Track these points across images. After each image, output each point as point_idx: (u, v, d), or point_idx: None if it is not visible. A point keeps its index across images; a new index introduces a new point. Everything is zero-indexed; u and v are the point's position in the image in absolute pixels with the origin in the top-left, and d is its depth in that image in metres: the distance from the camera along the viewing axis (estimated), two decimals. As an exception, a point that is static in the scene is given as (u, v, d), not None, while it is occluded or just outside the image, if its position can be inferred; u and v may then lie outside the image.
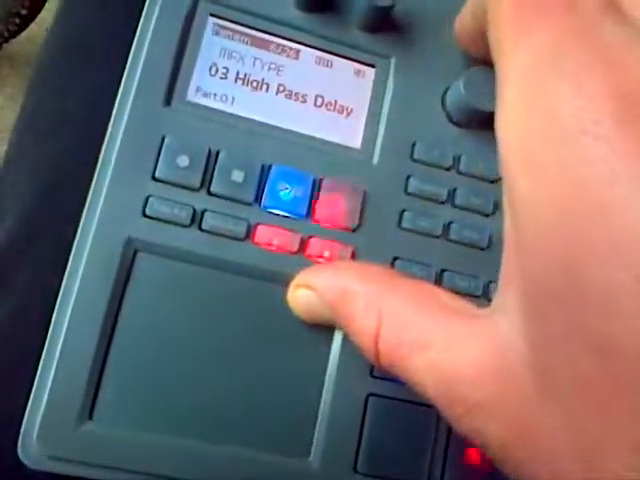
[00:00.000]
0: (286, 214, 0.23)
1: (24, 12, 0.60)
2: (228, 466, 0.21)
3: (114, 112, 0.22)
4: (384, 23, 0.24)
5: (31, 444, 0.20)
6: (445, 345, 0.16)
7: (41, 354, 0.20)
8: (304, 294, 0.21)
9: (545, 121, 0.14)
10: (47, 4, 0.70)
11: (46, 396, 0.20)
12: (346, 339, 0.22)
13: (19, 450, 0.20)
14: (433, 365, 0.16)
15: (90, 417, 0.20)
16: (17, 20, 0.60)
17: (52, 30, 0.27)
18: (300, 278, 0.21)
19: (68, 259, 0.21)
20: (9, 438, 0.20)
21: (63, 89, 0.25)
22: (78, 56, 0.26)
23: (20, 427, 0.20)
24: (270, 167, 0.23)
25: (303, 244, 0.23)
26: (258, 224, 0.22)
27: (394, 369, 0.18)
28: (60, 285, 0.21)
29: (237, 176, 0.22)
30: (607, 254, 0.12)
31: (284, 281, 0.22)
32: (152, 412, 0.21)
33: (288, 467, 0.21)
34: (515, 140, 0.15)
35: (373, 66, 0.25)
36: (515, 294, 0.15)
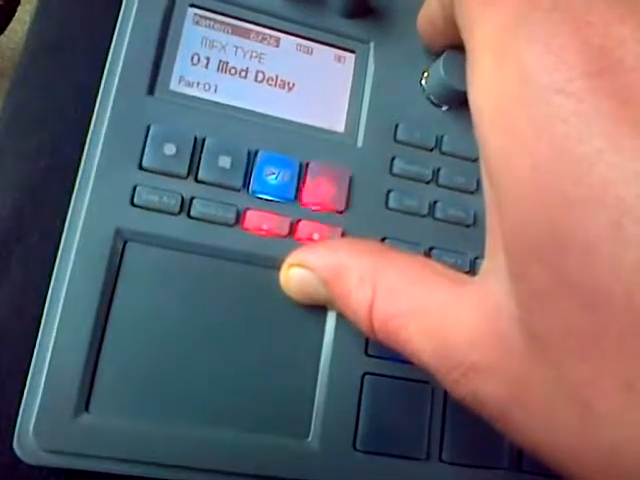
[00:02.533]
0: (274, 199, 0.23)
1: (1, 2, 0.59)
2: (228, 451, 0.21)
3: (97, 104, 0.22)
4: (362, 9, 0.25)
5: (27, 439, 0.20)
6: (439, 312, 0.17)
7: (34, 349, 0.20)
8: (298, 273, 0.21)
9: (518, 82, 0.14)
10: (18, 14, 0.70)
11: (41, 389, 0.20)
12: (340, 319, 0.22)
13: (15, 446, 0.20)
14: (428, 332, 0.17)
15: (86, 408, 0.20)
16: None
17: (31, 28, 0.26)
18: (293, 257, 0.21)
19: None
20: (5, 434, 0.20)
21: (45, 85, 0.25)
22: (58, 52, 0.26)
23: (15, 423, 0.20)
24: (256, 152, 0.23)
25: (292, 228, 0.23)
26: (247, 209, 0.22)
27: (390, 340, 0.18)
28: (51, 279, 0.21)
29: (224, 162, 0.22)
30: (583, 205, 0.12)
31: (275, 265, 0.22)
32: (148, 400, 0.21)
33: (288, 449, 0.21)
34: (489, 103, 0.15)
35: (353, 51, 0.25)
36: (500, 254, 0.15)
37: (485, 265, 0.17)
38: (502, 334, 0.15)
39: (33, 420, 0.20)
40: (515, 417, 0.15)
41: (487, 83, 0.15)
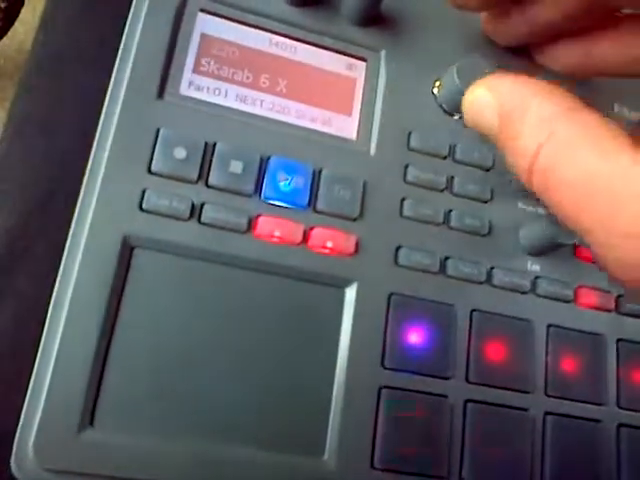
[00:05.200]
0: (287, 205, 0.22)
1: (4, 5, 0.58)
2: (240, 469, 0.20)
3: (105, 107, 0.22)
4: (374, 17, 0.25)
5: (26, 456, 0.18)
6: (608, 180, 0.15)
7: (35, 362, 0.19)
8: (482, 95, 0.19)
9: None
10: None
11: (42, 402, 0.18)
12: (355, 329, 0.22)
13: (12, 465, 0.18)
14: (595, 196, 0.15)
15: (91, 423, 0.19)
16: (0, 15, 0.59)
17: (38, 35, 0.26)
18: (485, 79, 0.19)
19: None
20: (1, 452, 0.19)
21: (52, 93, 0.25)
22: (65, 59, 0.25)
23: (13, 439, 0.19)
24: (269, 158, 0.22)
25: (305, 235, 0.22)
26: (259, 216, 0.22)
27: (545, 195, 0.17)
28: None
29: (235, 167, 0.22)
30: None
31: (288, 273, 0.22)
32: (158, 415, 0.20)
33: (303, 467, 0.20)
34: None
35: (364, 59, 0.25)
36: None
37: None
38: None
39: (33, 436, 0.18)
40: None
41: None
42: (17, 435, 0.18)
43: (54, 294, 0.20)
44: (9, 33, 0.66)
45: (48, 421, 0.18)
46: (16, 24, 0.66)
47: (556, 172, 0.16)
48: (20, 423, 0.19)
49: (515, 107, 0.18)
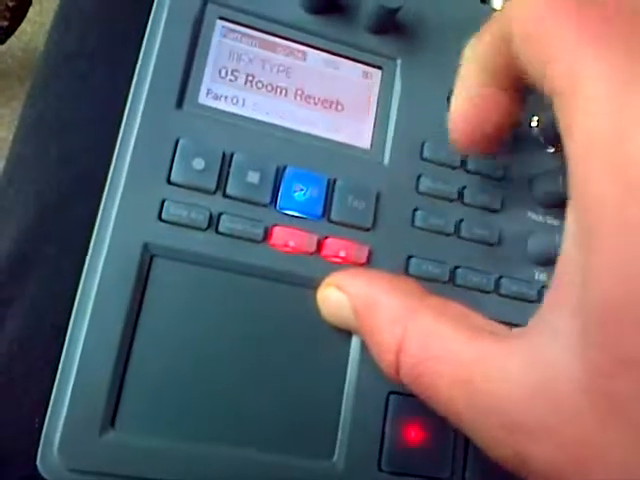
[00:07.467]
0: (302, 215, 0.23)
1: (11, 4, 0.58)
2: (253, 470, 0.21)
3: (125, 117, 0.22)
4: (391, 25, 0.25)
5: (52, 457, 0.19)
6: (479, 362, 0.16)
7: (58, 364, 0.20)
8: (334, 295, 0.21)
9: None
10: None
11: (66, 406, 0.19)
12: (366, 338, 0.22)
13: (39, 464, 0.19)
14: (464, 381, 0.16)
15: (112, 425, 0.20)
16: (7, 14, 0.58)
17: (51, 35, 0.26)
18: (333, 278, 0.21)
19: (78, 266, 0.21)
20: (28, 452, 0.20)
21: (65, 94, 0.25)
22: (78, 60, 0.25)
23: (39, 440, 0.20)
24: (285, 168, 0.23)
25: (319, 244, 0.23)
26: (274, 226, 0.22)
27: (416, 384, 0.17)
28: (72, 291, 0.21)
29: (252, 178, 0.22)
30: None
31: (301, 282, 0.22)
32: (175, 418, 0.20)
33: (312, 469, 0.21)
34: (605, 158, 0.14)
35: (380, 68, 0.25)
36: (572, 317, 0.14)
37: (539, 321, 0.16)
38: (559, 396, 0.14)
39: (58, 438, 0.19)
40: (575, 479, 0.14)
41: (605, 139, 0.14)
42: (42, 436, 0.19)
43: (77, 299, 0.21)
44: (16, 33, 0.66)
45: (71, 424, 0.19)
46: (23, 24, 0.66)
47: (425, 363, 0.17)
48: (45, 425, 0.20)
49: (369, 306, 0.19)
